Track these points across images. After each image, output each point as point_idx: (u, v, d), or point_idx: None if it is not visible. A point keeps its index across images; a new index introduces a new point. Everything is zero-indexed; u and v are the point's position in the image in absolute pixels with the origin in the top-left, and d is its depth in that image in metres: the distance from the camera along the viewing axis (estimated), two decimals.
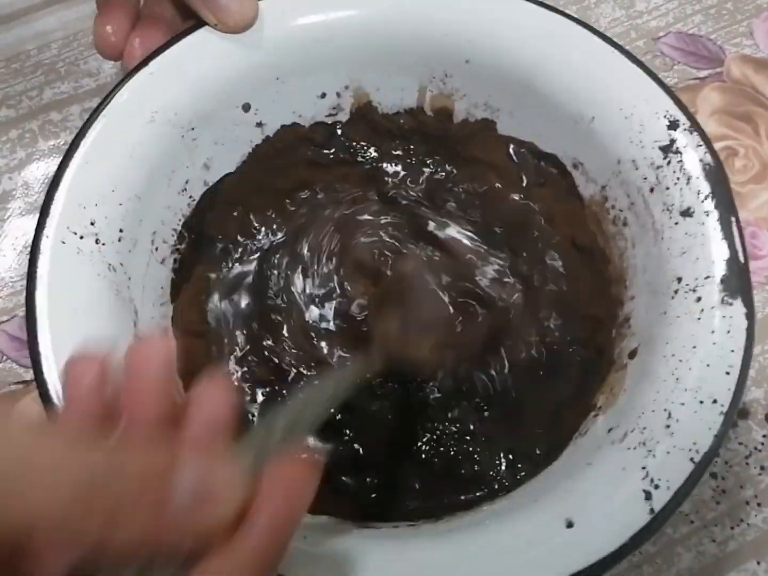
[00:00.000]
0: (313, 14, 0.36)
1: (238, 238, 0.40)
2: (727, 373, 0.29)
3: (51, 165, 0.45)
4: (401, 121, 0.40)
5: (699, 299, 0.31)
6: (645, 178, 0.34)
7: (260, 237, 0.40)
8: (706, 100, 0.46)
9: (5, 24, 0.49)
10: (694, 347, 0.30)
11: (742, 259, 0.31)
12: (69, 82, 0.47)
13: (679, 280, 0.31)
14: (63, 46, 0.48)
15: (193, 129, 0.35)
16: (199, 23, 0.35)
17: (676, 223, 0.32)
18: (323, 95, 0.39)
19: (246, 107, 0.37)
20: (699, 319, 0.30)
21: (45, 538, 0.19)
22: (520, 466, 0.33)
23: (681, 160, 0.33)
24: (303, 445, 0.23)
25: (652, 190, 0.33)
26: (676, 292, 0.31)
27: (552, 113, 0.36)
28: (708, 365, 0.29)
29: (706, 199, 0.32)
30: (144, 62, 0.34)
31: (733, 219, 0.32)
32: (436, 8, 0.36)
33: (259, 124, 0.38)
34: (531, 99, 0.37)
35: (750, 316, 0.30)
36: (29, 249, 0.42)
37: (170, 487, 0.19)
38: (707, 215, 0.32)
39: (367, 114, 0.40)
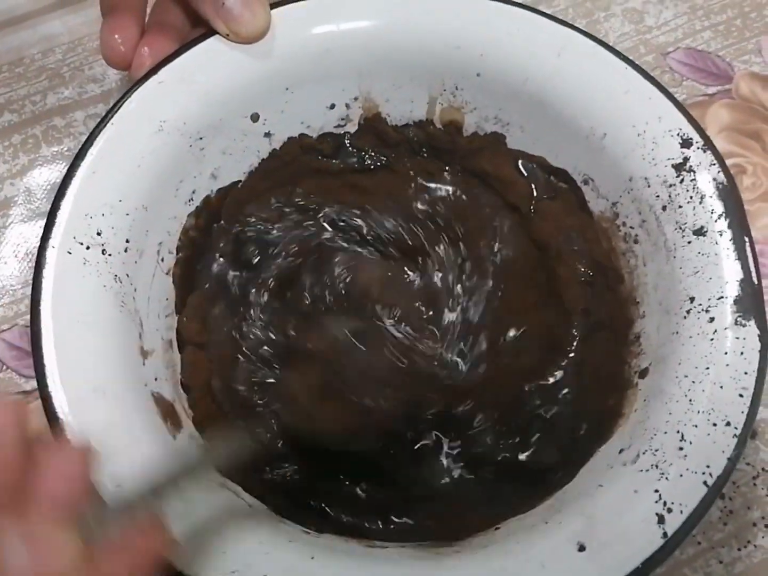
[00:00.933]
0: (324, 24, 0.35)
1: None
2: (741, 396, 0.29)
3: (54, 171, 0.44)
4: (410, 133, 0.40)
5: (712, 320, 0.30)
6: (657, 196, 0.33)
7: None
8: (714, 117, 0.46)
9: (9, 27, 0.48)
10: (707, 368, 0.30)
11: (755, 279, 0.31)
12: (73, 87, 0.46)
13: (692, 299, 0.31)
14: (68, 50, 0.47)
15: (201, 139, 0.35)
16: (210, 31, 0.35)
17: (689, 242, 0.32)
18: (332, 106, 0.38)
19: (255, 117, 0.37)
20: (712, 339, 0.30)
21: None
22: (530, 487, 0.32)
23: (694, 179, 0.33)
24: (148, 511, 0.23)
25: (664, 208, 0.33)
26: (688, 311, 0.31)
27: (563, 128, 0.36)
28: (721, 387, 0.29)
29: (719, 218, 0.32)
30: (153, 70, 0.34)
31: (746, 239, 0.31)
32: (448, 21, 0.36)
33: (268, 135, 0.38)
34: (542, 114, 0.36)
35: (764, 337, 0.30)
36: (31, 256, 0.42)
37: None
38: (720, 235, 0.32)
39: (376, 125, 0.40)
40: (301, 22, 0.35)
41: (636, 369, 0.33)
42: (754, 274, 0.31)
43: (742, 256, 0.31)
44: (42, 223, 0.31)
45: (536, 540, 0.28)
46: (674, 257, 0.32)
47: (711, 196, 0.32)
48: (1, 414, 0.21)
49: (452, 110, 0.39)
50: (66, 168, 0.32)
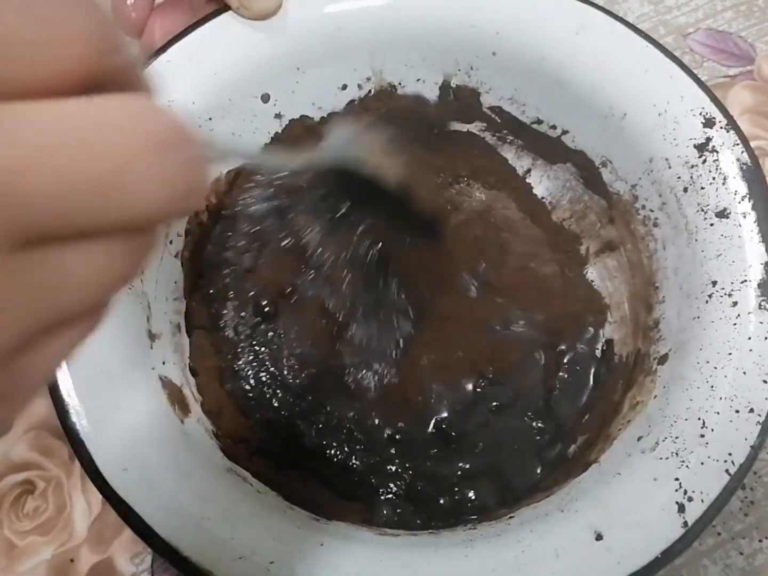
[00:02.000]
0: (337, 3, 0.35)
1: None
2: (765, 382, 0.28)
3: None
4: None
5: (735, 304, 0.29)
6: (678, 178, 0.32)
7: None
8: (736, 98, 0.45)
9: None
10: (730, 354, 0.29)
11: None
12: None
13: (714, 283, 0.30)
14: None
15: (210, 119, 0.34)
16: (221, 9, 0.34)
17: (711, 225, 0.31)
18: (344, 87, 0.38)
19: (265, 98, 0.36)
20: (735, 324, 0.29)
21: None
22: (545, 475, 0.32)
23: (717, 159, 0.32)
24: None
25: (685, 189, 0.32)
26: (710, 296, 0.30)
27: (581, 109, 0.35)
28: (744, 373, 0.28)
29: (743, 200, 0.31)
30: (162, 49, 0.33)
31: None
32: None
33: (278, 116, 0.37)
34: (559, 94, 0.36)
35: None
36: None
37: None
38: (744, 217, 0.31)
39: None
40: (313, 0, 0.35)
41: (655, 355, 0.32)
42: None
43: (766, 239, 0.30)
44: None
45: (551, 528, 0.27)
46: (696, 240, 0.31)
47: (734, 177, 0.31)
48: None
49: (467, 90, 0.38)
50: None
